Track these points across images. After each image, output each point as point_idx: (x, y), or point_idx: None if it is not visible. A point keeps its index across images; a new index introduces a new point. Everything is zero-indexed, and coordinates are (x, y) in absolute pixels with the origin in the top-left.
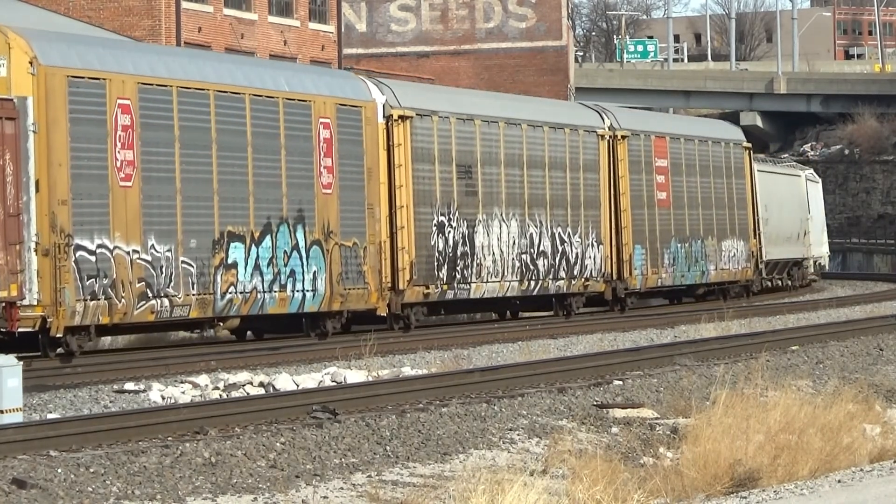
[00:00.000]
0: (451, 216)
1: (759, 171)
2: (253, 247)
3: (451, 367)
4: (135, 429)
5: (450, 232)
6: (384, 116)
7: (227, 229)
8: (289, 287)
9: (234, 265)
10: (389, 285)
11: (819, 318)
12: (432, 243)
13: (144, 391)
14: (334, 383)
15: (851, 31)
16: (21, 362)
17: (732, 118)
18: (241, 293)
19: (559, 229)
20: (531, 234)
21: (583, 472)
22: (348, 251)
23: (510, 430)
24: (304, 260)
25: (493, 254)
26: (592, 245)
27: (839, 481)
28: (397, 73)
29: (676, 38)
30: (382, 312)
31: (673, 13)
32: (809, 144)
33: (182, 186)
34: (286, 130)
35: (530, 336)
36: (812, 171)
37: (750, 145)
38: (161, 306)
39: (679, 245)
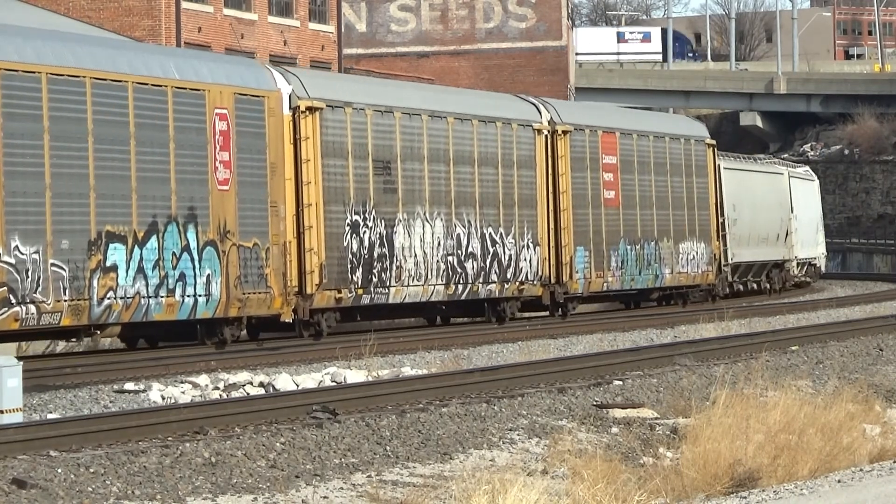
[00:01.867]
0: (366, 215)
1: (728, 168)
2: (136, 248)
3: (451, 367)
4: (135, 429)
5: (365, 232)
6: (290, 107)
7: (106, 229)
8: (178, 292)
9: (114, 268)
10: (296, 289)
11: (819, 318)
12: (345, 244)
13: (144, 391)
14: (334, 383)
15: (851, 31)
16: (21, 362)
17: (732, 118)
18: (121, 299)
19: (490, 229)
20: (458, 235)
21: (583, 472)
22: (248, 252)
23: (510, 430)
24: (197, 262)
25: (416, 255)
26: (528, 246)
27: (839, 481)
28: (397, 74)
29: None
30: (287, 318)
31: (673, 13)
32: (809, 144)
33: (52, 182)
34: (176, 122)
35: (530, 336)
36: (807, 169)
37: (714, 142)
38: (26, 313)
39: (629, 247)
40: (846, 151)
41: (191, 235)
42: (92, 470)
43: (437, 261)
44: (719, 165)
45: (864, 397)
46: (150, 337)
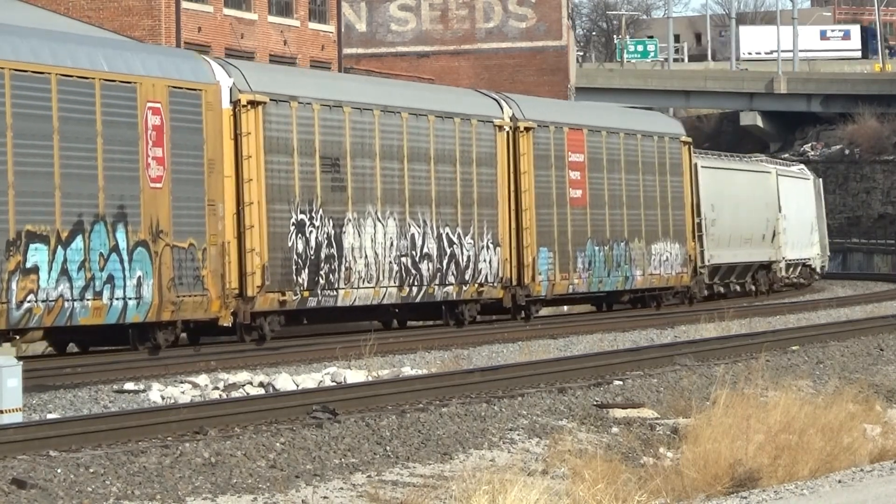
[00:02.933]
0: (313, 214)
1: (706, 167)
2: (59, 249)
3: (451, 367)
4: (135, 429)
5: (312, 232)
6: (231, 101)
7: (26, 228)
8: (106, 294)
9: (35, 270)
10: (237, 292)
11: (819, 318)
12: (290, 244)
13: (144, 391)
14: (334, 383)
15: None
16: (21, 362)
17: (733, 118)
18: (43, 302)
19: (447, 229)
20: (413, 235)
21: (583, 472)
22: (183, 253)
23: (510, 430)
24: (126, 263)
25: (366, 256)
26: (488, 247)
27: (839, 481)
28: (397, 73)
29: (676, 38)
30: (226, 322)
31: (673, 13)
32: (810, 144)
33: None
34: (104, 116)
35: (530, 336)
36: (801, 167)
37: (690, 140)
38: None
39: (597, 248)
40: (846, 151)
41: (120, 235)
42: (92, 470)
43: (390, 262)
44: (696, 164)
45: (864, 397)
46: (79, 342)
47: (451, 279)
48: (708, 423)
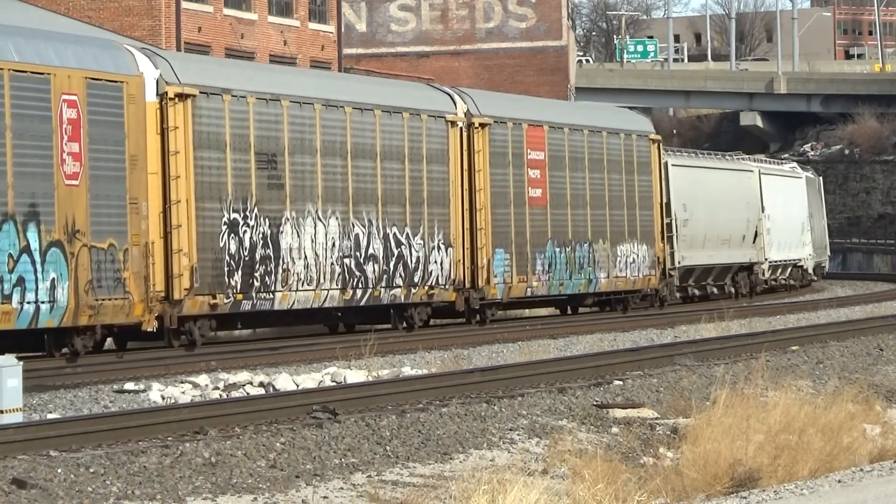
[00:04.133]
0: (247, 213)
1: (677, 165)
2: None
3: (451, 367)
4: (135, 429)
5: (246, 232)
6: (157, 94)
7: None
8: (15, 298)
9: None
10: (163, 295)
11: (819, 318)
12: (221, 245)
13: (144, 391)
14: (334, 383)
15: (851, 31)
16: (21, 362)
17: (733, 118)
18: None
19: (395, 229)
20: (357, 235)
21: (583, 472)
22: (102, 254)
23: (510, 430)
24: (39, 265)
25: (306, 258)
26: (439, 248)
27: (839, 481)
28: (397, 73)
29: (676, 38)
30: (149, 327)
31: (673, 13)
32: (810, 144)
33: None
34: (14, 108)
35: (530, 336)
36: (793, 166)
37: (659, 137)
38: None
39: (558, 249)
40: (846, 151)
41: (32, 235)
42: (92, 470)
43: (332, 263)
44: (666, 162)
45: (864, 397)
46: None
47: (399, 281)
48: (708, 423)
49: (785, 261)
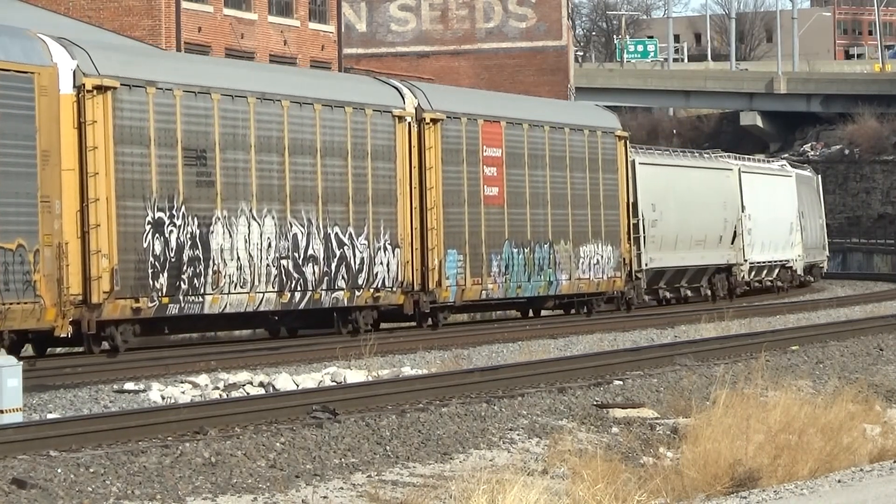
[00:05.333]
0: (174, 212)
1: (645, 164)
2: None
3: (451, 367)
4: (135, 429)
5: (172, 231)
6: (74, 86)
7: None
8: None
9: None
10: (80, 299)
11: (819, 318)
12: (145, 245)
13: (144, 391)
14: (334, 383)
15: (851, 31)
16: (21, 362)
17: (733, 118)
18: None
19: (337, 229)
20: (295, 235)
21: (583, 472)
22: (10, 256)
23: (510, 430)
24: None
25: (239, 259)
26: (385, 249)
27: (839, 481)
28: (397, 73)
29: (676, 38)
30: (63, 332)
31: (673, 13)
32: (810, 144)
33: None
34: None
35: (530, 336)
36: (783, 164)
37: (626, 134)
38: None
39: (515, 250)
40: (846, 151)
41: None
42: (92, 470)
43: (268, 265)
44: (633, 160)
45: (864, 397)
46: None
47: (342, 284)
48: (708, 422)
49: (770, 262)
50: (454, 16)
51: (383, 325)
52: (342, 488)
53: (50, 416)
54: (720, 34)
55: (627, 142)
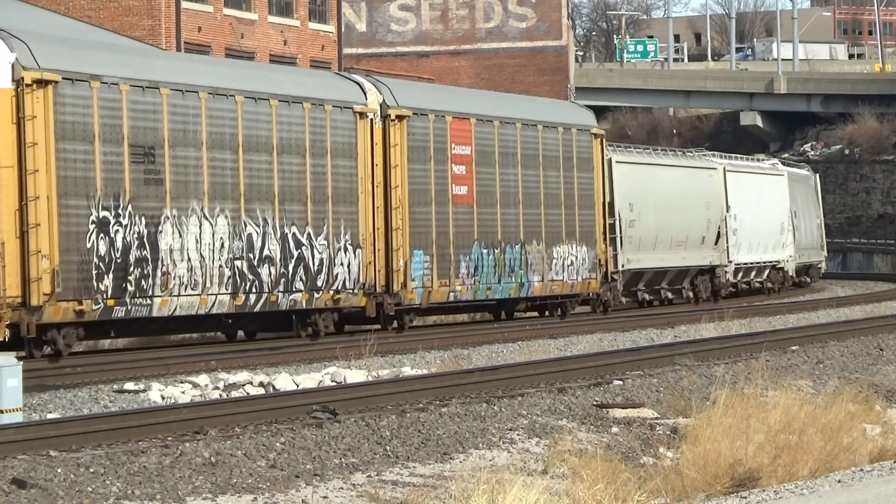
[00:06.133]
0: (120, 211)
1: (623, 162)
2: None
3: (451, 367)
4: (135, 429)
5: (118, 231)
6: (13, 80)
7: None
8: None
9: None
10: (18, 301)
11: (819, 318)
12: (89, 246)
13: (144, 391)
14: (334, 383)
15: (851, 30)
16: (21, 362)
17: (733, 118)
18: None
19: (294, 229)
20: (250, 235)
21: (583, 472)
22: None
23: (510, 430)
24: None
25: (189, 259)
26: (346, 249)
27: (839, 481)
28: (397, 73)
29: (676, 38)
30: (0, 336)
31: (673, 13)
32: (810, 144)
33: None
34: None
35: (530, 336)
36: (774, 163)
37: (602, 132)
38: None
39: (485, 251)
40: (846, 151)
41: None
42: (92, 470)
43: (220, 266)
44: (610, 159)
45: (864, 397)
46: None
47: (300, 285)
48: (708, 422)
49: (758, 263)
50: (454, 16)
51: (347, 328)
52: (342, 488)
53: (50, 416)
54: (720, 34)
55: (604, 140)
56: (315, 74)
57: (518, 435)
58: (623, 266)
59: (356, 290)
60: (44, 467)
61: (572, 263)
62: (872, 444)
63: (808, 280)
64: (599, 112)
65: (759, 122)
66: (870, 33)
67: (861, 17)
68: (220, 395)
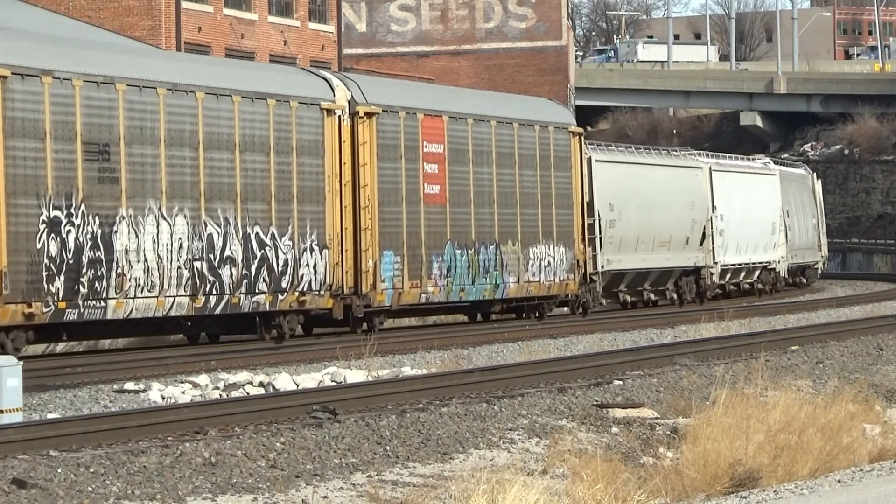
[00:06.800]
0: (72, 210)
1: (603, 161)
2: None
3: (451, 367)
4: (135, 429)
5: (70, 231)
6: None
7: None
8: None
9: None
10: None
11: (819, 318)
12: (39, 246)
13: (144, 391)
14: (334, 383)
15: (851, 31)
16: (21, 362)
17: (733, 118)
18: None
19: (257, 229)
20: (210, 235)
21: (583, 472)
22: None
23: (510, 430)
24: None
25: (146, 260)
26: (312, 250)
27: (839, 481)
28: (397, 73)
29: (676, 38)
30: None
31: (673, 13)
32: (810, 144)
33: None
34: None
35: (530, 336)
36: (766, 161)
37: (581, 130)
38: None
39: (458, 251)
40: (846, 151)
41: None
42: (92, 470)
43: (179, 267)
44: (590, 157)
45: (864, 397)
46: None
47: (263, 287)
48: (708, 422)
49: (747, 264)
50: (454, 16)
51: (317, 331)
52: (342, 488)
53: (50, 416)
54: (720, 34)
55: (582, 138)
56: (280, 70)
57: (518, 435)
58: (603, 267)
59: (323, 292)
60: (44, 467)
61: (549, 264)
62: (872, 444)
63: (805, 281)
64: (599, 112)
65: (759, 123)
66: (870, 33)
67: (861, 17)
68: (220, 395)
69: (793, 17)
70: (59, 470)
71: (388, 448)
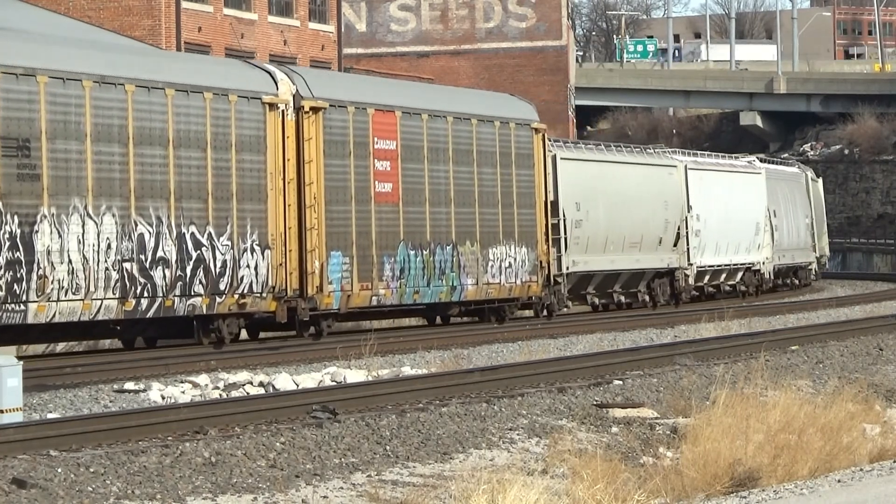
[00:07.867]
0: None
1: (569, 159)
2: None
3: (451, 367)
4: (135, 429)
5: None
6: None
7: None
8: None
9: None
10: None
11: (819, 318)
12: None
13: (144, 391)
14: (334, 383)
15: (851, 30)
16: (21, 362)
17: (733, 118)
18: None
19: (193, 228)
20: (141, 235)
21: (583, 472)
22: None
23: (510, 429)
24: None
25: (71, 262)
26: (252, 250)
27: (839, 481)
28: (397, 73)
29: (676, 38)
30: None
31: (673, 13)
32: (809, 144)
33: None
34: None
35: (530, 336)
36: (752, 160)
37: (544, 126)
38: None
39: (412, 252)
40: (846, 151)
41: None
42: (92, 470)
43: (107, 268)
44: (554, 155)
45: (864, 397)
46: None
47: (199, 289)
48: (708, 422)
49: (728, 265)
50: (454, 16)
51: (263, 335)
52: (342, 488)
53: (50, 415)
54: (720, 34)
55: (546, 135)
56: (219, 62)
57: (518, 435)
58: (568, 268)
59: (265, 294)
60: (44, 467)
61: (510, 266)
62: (872, 444)
63: (797, 282)
64: (600, 112)
65: (759, 122)
66: (869, 33)
67: (861, 17)
68: (220, 395)
69: (793, 16)
70: (59, 470)
71: (387, 448)
